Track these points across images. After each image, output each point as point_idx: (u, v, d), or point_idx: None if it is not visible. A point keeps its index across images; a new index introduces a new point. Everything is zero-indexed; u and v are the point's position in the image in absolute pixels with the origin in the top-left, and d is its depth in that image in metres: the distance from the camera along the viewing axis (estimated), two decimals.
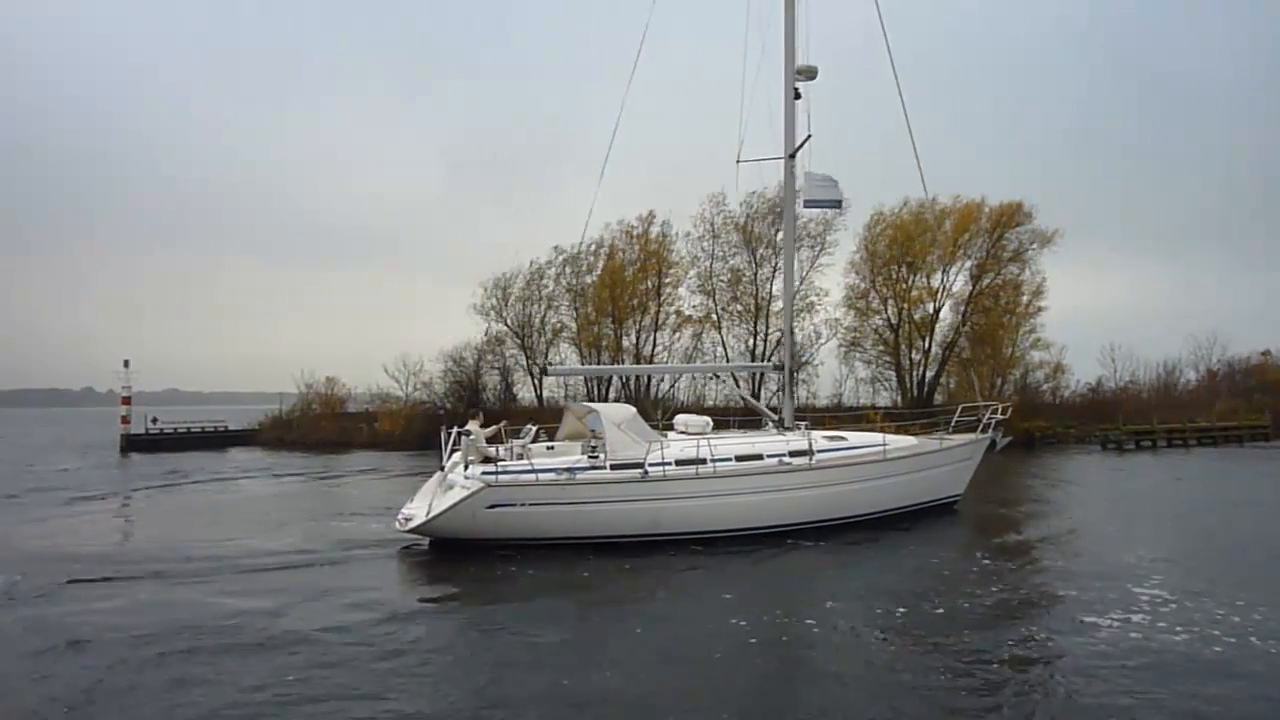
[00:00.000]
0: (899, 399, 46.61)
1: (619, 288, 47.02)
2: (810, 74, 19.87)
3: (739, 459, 16.33)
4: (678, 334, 48.32)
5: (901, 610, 10.65)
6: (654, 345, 48.17)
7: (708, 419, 18.76)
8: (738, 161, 21.21)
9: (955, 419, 20.38)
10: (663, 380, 48.10)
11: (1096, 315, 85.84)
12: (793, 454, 16.77)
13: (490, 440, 16.82)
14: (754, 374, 45.91)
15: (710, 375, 46.40)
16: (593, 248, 48.67)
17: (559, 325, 49.35)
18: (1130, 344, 69.84)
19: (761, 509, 16.01)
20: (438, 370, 49.66)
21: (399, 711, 7.48)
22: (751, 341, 47.14)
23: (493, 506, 14.69)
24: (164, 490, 26.59)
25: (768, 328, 46.78)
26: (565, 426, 18.39)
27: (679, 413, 21.32)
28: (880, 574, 13.61)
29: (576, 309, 48.85)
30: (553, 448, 17.07)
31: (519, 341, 49.62)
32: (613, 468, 15.62)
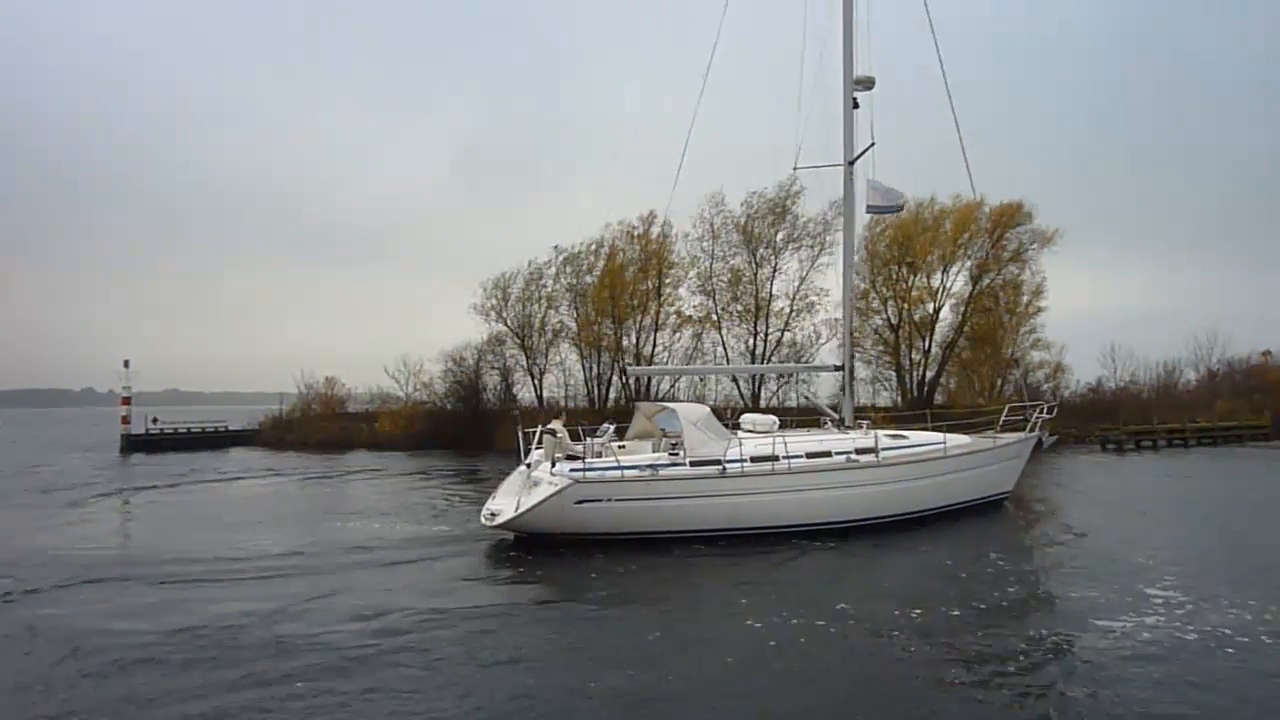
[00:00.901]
0: (899, 399, 46.60)
1: (619, 288, 46.95)
2: (868, 84, 20.55)
3: (809, 456, 16.88)
4: (678, 334, 48.30)
5: (918, 612, 10.66)
6: (654, 345, 48.11)
7: (774, 418, 19.40)
8: (795, 168, 21.95)
9: (1003, 418, 21.31)
10: (662, 381, 48.14)
11: (1097, 315, 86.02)
12: (858, 451, 17.41)
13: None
14: (754, 376, 46.00)
15: (705, 377, 46.57)
16: (593, 247, 48.72)
17: (559, 325, 49.35)
18: (1131, 344, 69.88)
19: (832, 504, 16.53)
20: (438, 370, 49.72)
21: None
22: (751, 341, 47.14)
23: (580, 502, 15.23)
24: (164, 490, 26.55)
25: (768, 328, 46.81)
26: (635, 426, 18.91)
27: (744, 412, 21.91)
28: (899, 574, 13.64)
29: (576, 309, 48.81)
30: (624, 446, 17.37)
31: (519, 341, 49.59)
32: (692, 464, 16.13)
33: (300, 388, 54.01)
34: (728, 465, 16.01)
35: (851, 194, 21.27)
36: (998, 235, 45.21)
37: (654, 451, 16.97)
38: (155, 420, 48.45)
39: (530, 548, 15.35)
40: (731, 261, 47.23)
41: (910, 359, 47.35)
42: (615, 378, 48.29)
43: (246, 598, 11.70)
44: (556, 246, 48.91)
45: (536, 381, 49.51)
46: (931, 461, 18.05)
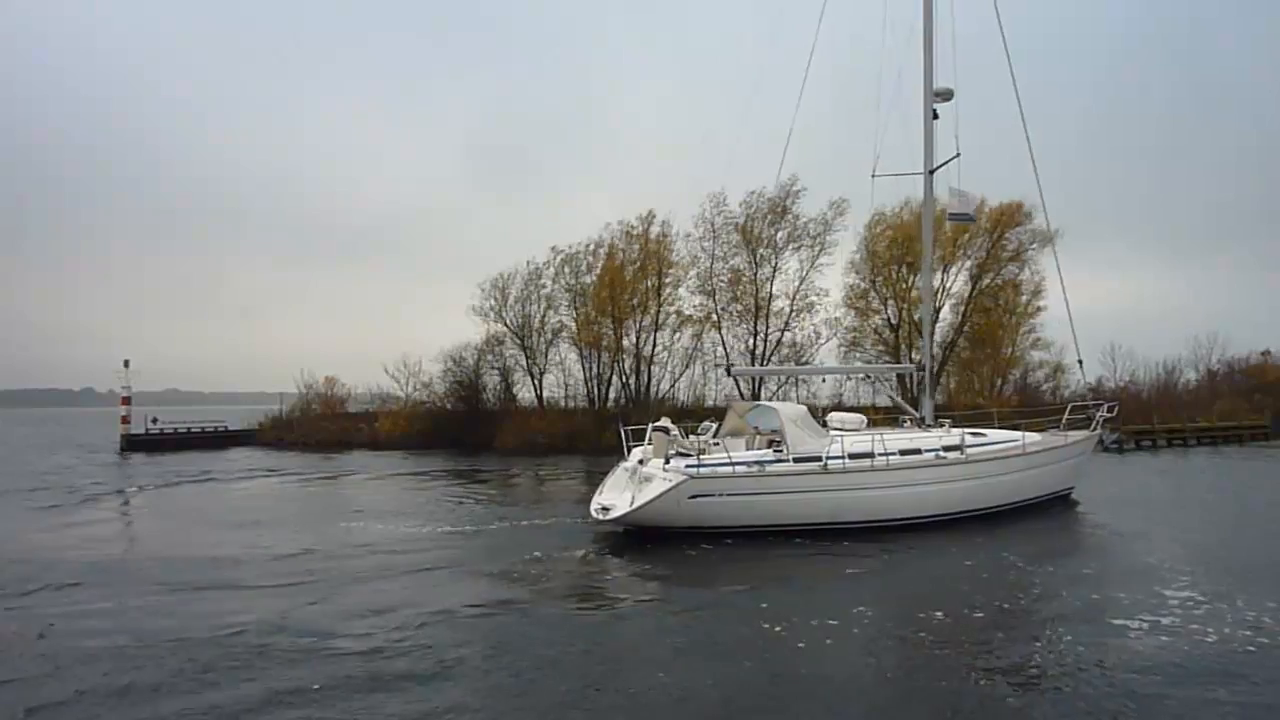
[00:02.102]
0: (898, 399, 46.52)
1: (619, 287, 46.94)
2: (947, 96, 21.59)
3: (901, 454, 17.43)
4: (678, 334, 48.32)
5: (939, 614, 10.63)
6: (654, 345, 48.13)
7: (861, 416, 20.27)
8: (873, 176, 22.84)
9: (1066, 416, 22.28)
10: (662, 381, 48.25)
11: (1098, 315, 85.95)
12: (945, 449, 18.05)
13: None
14: (754, 378, 45.95)
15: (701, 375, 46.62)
16: (591, 247, 48.72)
17: (559, 325, 49.34)
18: (1131, 344, 69.86)
19: (923, 499, 17.09)
20: (437, 370, 49.70)
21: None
22: (751, 341, 47.12)
23: (694, 497, 15.74)
24: (164, 490, 26.51)
25: (767, 328, 46.82)
26: (727, 423, 19.29)
27: (832, 411, 22.60)
28: (917, 576, 13.58)
29: (576, 309, 48.80)
30: (718, 444, 17.60)
31: (518, 341, 49.58)
32: (795, 461, 16.59)
33: (300, 387, 54.07)
34: (829, 461, 16.47)
35: (931, 202, 22.31)
36: (997, 235, 45.22)
37: (748, 449, 17.37)
38: (155, 420, 48.40)
39: (543, 548, 15.30)
40: (731, 261, 47.31)
41: (910, 359, 47.30)
42: (615, 378, 48.34)
43: (247, 600, 11.63)
44: (554, 248, 49.01)
45: (536, 381, 49.53)
46: (1013, 458, 18.75)
